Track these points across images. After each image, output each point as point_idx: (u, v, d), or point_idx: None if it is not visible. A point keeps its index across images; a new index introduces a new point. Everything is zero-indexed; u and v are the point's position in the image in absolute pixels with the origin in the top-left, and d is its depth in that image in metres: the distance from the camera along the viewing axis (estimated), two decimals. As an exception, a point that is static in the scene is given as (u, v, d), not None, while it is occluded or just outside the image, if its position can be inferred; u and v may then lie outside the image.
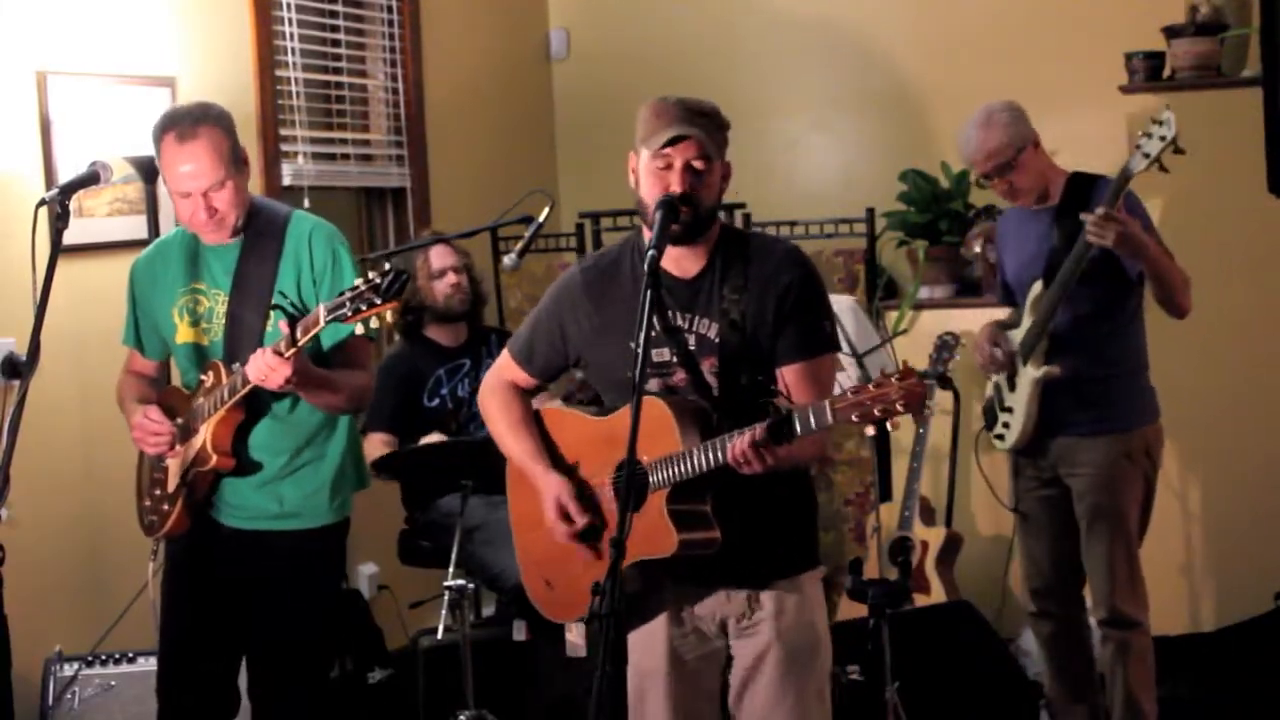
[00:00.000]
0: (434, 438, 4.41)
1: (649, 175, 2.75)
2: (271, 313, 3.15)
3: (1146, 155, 3.61)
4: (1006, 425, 4.02)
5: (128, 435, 3.35)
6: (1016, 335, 3.99)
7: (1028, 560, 4.13)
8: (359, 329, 2.95)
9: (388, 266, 2.90)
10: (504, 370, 3.04)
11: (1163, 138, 3.58)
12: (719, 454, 2.58)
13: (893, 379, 2.42)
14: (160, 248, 3.40)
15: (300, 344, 2.99)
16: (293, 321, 2.97)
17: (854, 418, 2.43)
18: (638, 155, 2.78)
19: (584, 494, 2.84)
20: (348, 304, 2.90)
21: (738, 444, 2.54)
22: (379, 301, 2.87)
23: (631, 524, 2.45)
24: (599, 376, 2.94)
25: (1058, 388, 3.90)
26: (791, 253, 2.84)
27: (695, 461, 2.61)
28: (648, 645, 2.86)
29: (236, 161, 3.18)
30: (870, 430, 2.44)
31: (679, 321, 2.80)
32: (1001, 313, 4.17)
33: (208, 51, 4.64)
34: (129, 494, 3.46)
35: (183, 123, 3.14)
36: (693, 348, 2.79)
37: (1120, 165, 3.66)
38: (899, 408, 2.41)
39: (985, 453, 4.36)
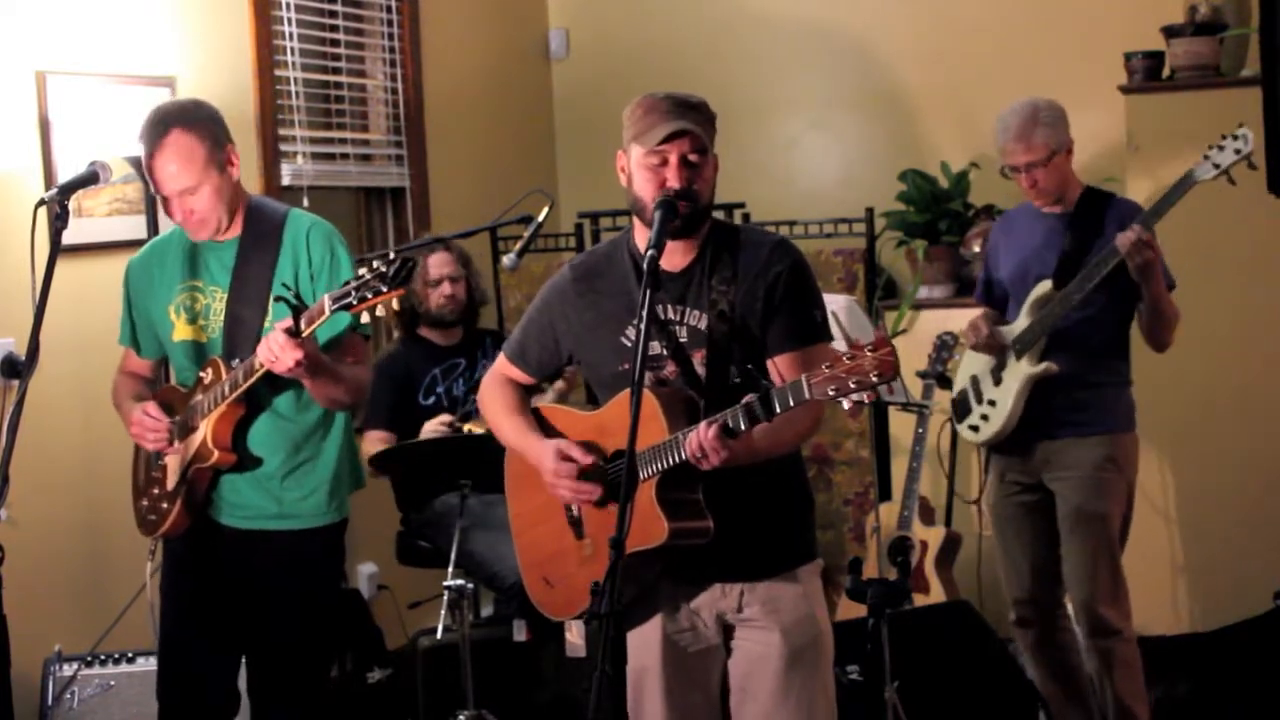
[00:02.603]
0: (441, 419, 4.39)
1: (643, 172, 2.72)
2: (273, 306, 3.14)
3: (1216, 166, 3.63)
4: (985, 418, 4.02)
5: (128, 435, 3.35)
6: (1009, 330, 3.99)
7: (1009, 568, 4.13)
8: (364, 318, 2.92)
9: (392, 254, 2.84)
10: (500, 368, 3.05)
11: (1238, 150, 3.62)
12: (682, 448, 2.57)
13: (866, 349, 2.37)
14: (156, 247, 3.40)
15: (305, 335, 2.97)
16: (296, 313, 2.95)
17: (830, 391, 2.39)
18: (627, 153, 2.76)
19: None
20: (353, 292, 2.87)
21: (692, 439, 2.53)
22: (385, 289, 2.83)
23: (629, 516, 2.43)
24: (591, 373, 2.93)
25: (1048, 389, 3.90)
26: (781, 243, 2.82)
27: (673, 452, 2.60)
28: (644, 642, 2.85)
29: (215, 164, 3.16)
30: (846, 405, 2.41)
31: (670, 314, 2.78)
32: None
33: (207, 51, 4.64)
34: (128, 494, 3.46)
35: (155, 129, 3.15)
36: (683, 340, 2.77)
37: (1183, 172, 3.64)
38: (873, 379, 2.36)
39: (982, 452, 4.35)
